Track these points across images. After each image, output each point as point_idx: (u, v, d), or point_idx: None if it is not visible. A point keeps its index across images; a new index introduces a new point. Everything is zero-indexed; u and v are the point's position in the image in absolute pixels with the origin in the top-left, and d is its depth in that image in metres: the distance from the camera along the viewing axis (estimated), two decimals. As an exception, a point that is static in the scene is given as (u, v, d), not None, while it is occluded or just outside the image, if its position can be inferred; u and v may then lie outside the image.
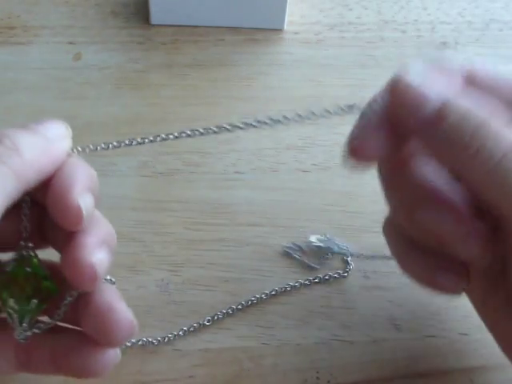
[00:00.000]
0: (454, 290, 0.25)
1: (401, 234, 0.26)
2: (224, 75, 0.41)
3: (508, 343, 0.25)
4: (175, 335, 0.29)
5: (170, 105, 0.39)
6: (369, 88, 0.43)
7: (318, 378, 0.28)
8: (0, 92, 0.39)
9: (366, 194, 0.35)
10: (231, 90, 0.40)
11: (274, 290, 0.31)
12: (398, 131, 0.22)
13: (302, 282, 0.31)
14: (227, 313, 0.30)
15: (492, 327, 0.26)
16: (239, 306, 0.30)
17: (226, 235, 0.33)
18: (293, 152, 0.37)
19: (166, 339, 0.29)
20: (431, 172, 0.24)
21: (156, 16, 0.44)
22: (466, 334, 0.30)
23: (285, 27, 0.44)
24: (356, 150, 0.23)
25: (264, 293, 0.31)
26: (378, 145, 0.23)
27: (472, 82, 0.23)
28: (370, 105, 0.23)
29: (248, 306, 0.30)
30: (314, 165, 0.36)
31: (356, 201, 0.35)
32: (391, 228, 0.27)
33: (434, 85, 0.22)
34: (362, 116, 0.24)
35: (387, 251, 0.27)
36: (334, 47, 0.44)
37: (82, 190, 0.21)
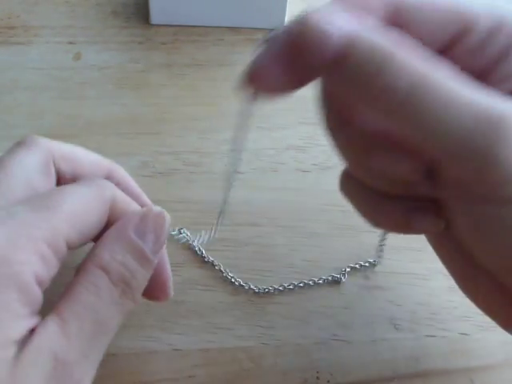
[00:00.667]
0: (434, 229, 0.24)
1: (361, 187, 0.24)
2: (224, 75, 0.41)
3: (462, 279, 0.25)
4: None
5: (170, 105, 0.39)
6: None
7: (317, 377, 0.28)
8: (0, 92, 0.39)
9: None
10: (231, 89, 0.40)
11: (274, 289, 0.31)
12: (300, 67, 0.21)
13: (306, 281, 0.31)
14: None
15: (448, 266, 0.26)
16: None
17: (225, 235, 0.33)
18: (293, 152, 0.37)
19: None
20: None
21: (156, 16, 0.44)
22: (466, 334, 0.30)
23: (285, 27, 0.44)
24: (255, 76, 0.21)
25: (264, 291, 0.31)
26: (277, 75, 0.21)
27: (398, 15, 0.21)
28: (274, 33, 0.21)
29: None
30: (314, 165, 0.36)
31: (356, 201, 0.34)
32: (350, 183, 0.25)
33: (342, 22, 0.20)
34: (265, 42, 0.22)
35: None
36: (333, 47, 0.44)
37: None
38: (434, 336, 0.30)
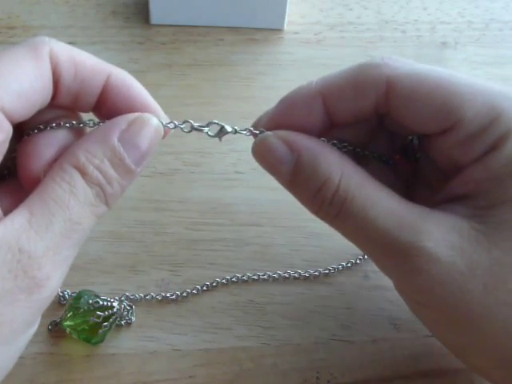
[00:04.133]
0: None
1: None
2: (224, 75, 0.41)
3: None
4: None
5: (170, 104, 0.39)
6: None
7: (317, 377, 0.28)
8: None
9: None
10: (231, 89, 0.40)
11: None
12: None
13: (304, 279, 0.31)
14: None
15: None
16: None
17: (225, 235, 0.33)
18: (293, 152, 0.37)
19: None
20: None
21: (156, 16, 0.44)
22: (465, 334, 0.30)
23: (285, 27, 0.44)
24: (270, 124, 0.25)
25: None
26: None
27: (392, 90, 0.23)
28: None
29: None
30: (314, 165, 0.36)
31: (356, 201, 0.34)
32: None
33: (291, 141, 0.24)
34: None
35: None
36: (333, 47, 0.44)
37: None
38: (433, 336, 0.30)
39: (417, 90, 0.23)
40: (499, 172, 0.22)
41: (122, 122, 0.23)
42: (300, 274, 0.31)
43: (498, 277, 0.22)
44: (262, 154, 0.25)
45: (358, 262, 0.32)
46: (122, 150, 0.22)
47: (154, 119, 0.23)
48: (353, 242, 0.25)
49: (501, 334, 0.22)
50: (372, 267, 0.32)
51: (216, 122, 0.25)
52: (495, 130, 0.22)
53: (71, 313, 0.28)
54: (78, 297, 0.29)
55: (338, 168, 0.23)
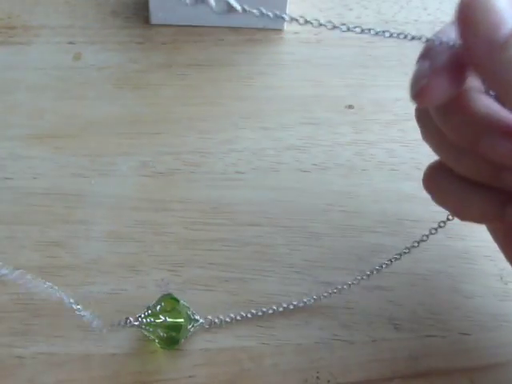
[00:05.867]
0: None
1: (452, 178, 0.25)
2: (224, 75, 0.41)
3: None
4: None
5: (170, 105, 0.39)
6: (369, 88, 0.43)
7: (318, 377, 0.28)
8: (0, 92, 0.39)
9: (366, 194, 0.35)
10: (231, 90, 0.40)
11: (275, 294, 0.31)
12: (465, 68, 0.22)
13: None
14: (228, 314, 0.30)
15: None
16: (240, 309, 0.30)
17: (226, 235, 0.33)
18: (293, 152, 0.37)
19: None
20: (490, 104, 0.23)
21: (156, 16, 0.44)
22: (466, 334, 0.30)
23: (285, 27, 0.44)
24: (423, 92, 0.22)
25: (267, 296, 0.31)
26: (444, 85, 0.22)
27: None
28: (436, 39, 0.22)
29: (249, 308, 0.30)
30: (314, 165, 0.36)
31: (356, 201, 0.35)
32: (439, 175, 0.26)
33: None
34: (427, 52, 0.23)
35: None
36: (334, 47, 0.44)
37: None
38: (434, 336, 0.30)
39: None
40: None
41: None
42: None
43: None
44: (479, 12, 0.20)
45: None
46: None
47: None
48: None
49: None
50: (372, 267, 0.32)
51: None
52: None
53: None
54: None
55: None
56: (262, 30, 0.44)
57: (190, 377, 0.28)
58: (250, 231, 0.33)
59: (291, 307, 0.30)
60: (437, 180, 0.26)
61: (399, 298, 0.31)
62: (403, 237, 0.33)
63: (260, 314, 0.30)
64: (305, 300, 0.30)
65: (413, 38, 0.23)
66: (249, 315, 0.30)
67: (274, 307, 0.30)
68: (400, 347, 0.29)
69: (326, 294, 0.30)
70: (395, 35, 0.23)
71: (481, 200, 0.25)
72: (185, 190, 0.35)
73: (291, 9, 0.44)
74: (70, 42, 0.43)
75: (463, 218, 0.26)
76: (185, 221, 0.33)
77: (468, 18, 0.20)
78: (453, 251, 0.33)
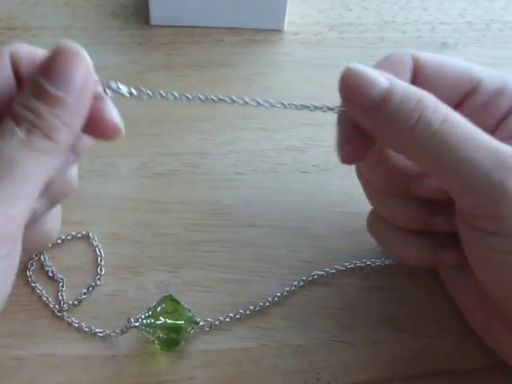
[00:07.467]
0: (456, 264, 0.27)
1: (389, 226, 0.28)
2: (224, 76, 0.41)
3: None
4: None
5: (170, 106, 0.39)
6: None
7: (318, 379, 0.28)
8: None
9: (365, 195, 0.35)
10: (231, 90, 0.40)
11: (275, 295, 0.31)
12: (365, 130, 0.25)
13: (304, 282, 0.31)
14: (227, 315, 0.30)
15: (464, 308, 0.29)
16: (240, 310, 0.30)
17: (225, 236, 0.33)
18: (293, 153, 0.37)
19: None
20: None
21: (156, 17, 0.44)
22: (466, 334, 0.30)
23: (285, 28, 0.44)
24: (343, 158, 0.26)
25: (265, 297, 0.31)
26: (355, 149, 0.26)
27: (419, 66, 0.26)
28: (339, 110, 0.26)
29: (249, 309, 0.30)
30: (314, 166, 0.36)
31: (356, 201, 0.34)
32: (378, 223, 0.29)
33: (379, 72, 0.24)
34: (339, 120, 0.26)
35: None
36: (334, 48, 0.44)
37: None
38: (433, 336, 0.30)
39: (440, 63, 0.27)
40: None
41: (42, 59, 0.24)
42: (300, 274, 0.31)
43: None
44: (355, 77, 0.24)
45: (358, 263, 0.32)
46: (41, 79, 0.23)
47: (77, 47, 0.26)
48: (438, 168, 0.24)
49: None
50: (372, 268, 0.32)
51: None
52: (507, 97, 0.26)
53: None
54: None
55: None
56: (262, 31, 0.44)
57: (189, 378, 0.28)
58: (249, 232, 0.33)
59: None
60: (377, 226, 0.30)
61: (399, 298, 0.31)
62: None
63: (258, 308, 0.30)
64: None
65: (302, 106, 0.27)
66: (247, 312, 0.30)
67: (274, 307, 0.30)
68: (400, 348, 0.29)
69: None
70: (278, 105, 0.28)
71: (415, 246, 0.28)
72: (184, 191, 0.35)
73: (291, 9, 0.44)
74: (70, 43, 0.42)
75: (401, 261, 0.29)
76: (184, 222, 0.33)
77: (347, 85, 0.24)
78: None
